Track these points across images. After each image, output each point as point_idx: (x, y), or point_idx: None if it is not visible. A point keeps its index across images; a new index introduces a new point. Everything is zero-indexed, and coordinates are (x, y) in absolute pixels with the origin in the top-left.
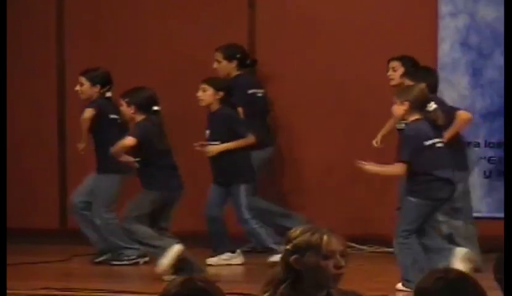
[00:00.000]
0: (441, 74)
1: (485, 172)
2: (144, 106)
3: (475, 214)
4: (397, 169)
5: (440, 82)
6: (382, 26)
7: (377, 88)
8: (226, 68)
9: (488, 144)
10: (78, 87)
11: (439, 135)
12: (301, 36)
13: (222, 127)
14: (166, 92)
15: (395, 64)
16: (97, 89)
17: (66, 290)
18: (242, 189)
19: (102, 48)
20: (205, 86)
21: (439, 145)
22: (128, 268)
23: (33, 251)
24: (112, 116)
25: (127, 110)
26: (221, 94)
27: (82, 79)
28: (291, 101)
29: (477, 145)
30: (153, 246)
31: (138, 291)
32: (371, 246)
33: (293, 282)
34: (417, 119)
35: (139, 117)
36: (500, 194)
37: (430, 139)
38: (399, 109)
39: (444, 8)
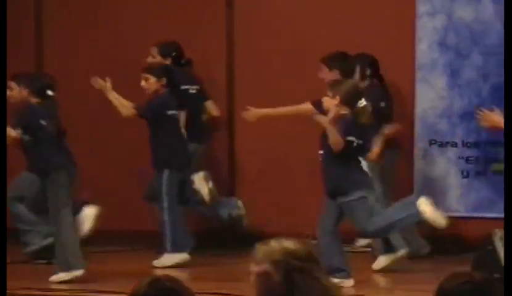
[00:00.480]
0: (419, 75)
1: (462, 172)
2: (39, 90)
3: (453, 214)
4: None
5: (418, 83)
6: (359, 26)
7: None
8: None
9: (465, 144)
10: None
11: (359, 134)
12: (278, 35)
13: None
14: (142, 90)
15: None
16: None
17: (47, 291)
18: (165, 175)
19: (80, 49)
20: (146, 76)
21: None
22: (113, 267)
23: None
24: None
25: (20, 92)
26: (164, 79)
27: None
28: (270, 101)
29: (455, 145)
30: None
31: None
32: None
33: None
34: (343, 115)
35: (34, 100)
36: (478, 194)
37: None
38: (330, 102)
39: (421, 8)
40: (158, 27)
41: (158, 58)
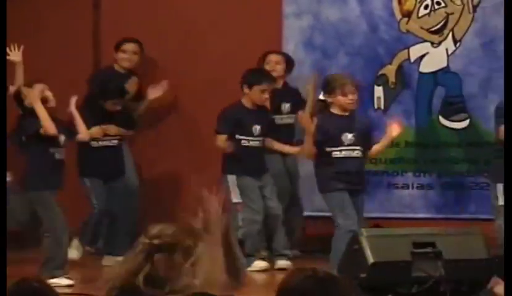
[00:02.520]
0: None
1: None
2: None
3: (321, 214)
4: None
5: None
6: (227, 26)
7: (220, 84)
8: None
9: None
10: None
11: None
12: (146, 35)
13: None
14: None
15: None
16: None
17: None
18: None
19: None
20: None
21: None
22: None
23: None
24: None
25: None
26: None
27: None
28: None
29: None
30: None
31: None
32: None
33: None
34: None
35: None
36: None
37: None
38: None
39: (288, 9)
40: (26, 30)
41: None
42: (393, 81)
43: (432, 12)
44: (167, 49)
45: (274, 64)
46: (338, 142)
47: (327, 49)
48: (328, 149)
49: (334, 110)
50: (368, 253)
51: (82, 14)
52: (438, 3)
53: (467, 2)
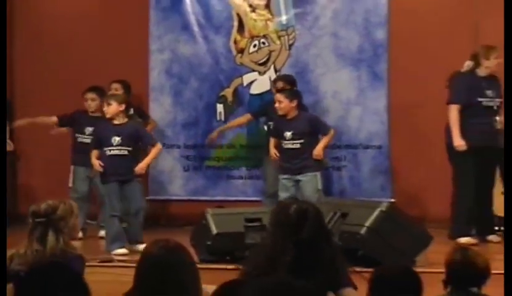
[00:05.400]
0: (152, 95)
1: (184, 167)
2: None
3: (178, 198)
4: None
5: (151, 102)
6: (104, 58)
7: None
8: None
9: (186, 146)
10: None
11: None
12: (55, 52)
13: None
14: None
15: (116, 86)
16: None
17: None
18: None
19: None
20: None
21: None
22: None
23: None
24: None
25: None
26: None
27: None
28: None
29: (179, 147)
30: None
31: None
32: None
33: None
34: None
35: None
36: (195, 183)
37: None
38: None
39: (153, 46)
40: None
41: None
42: (231, 100)
43: (259, 50)
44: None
45: (114, 90)
46: None
47: (182, 76)
48: None
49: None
50: (212, 226)
51: None
52: (264, 43)
53: (285, 42)
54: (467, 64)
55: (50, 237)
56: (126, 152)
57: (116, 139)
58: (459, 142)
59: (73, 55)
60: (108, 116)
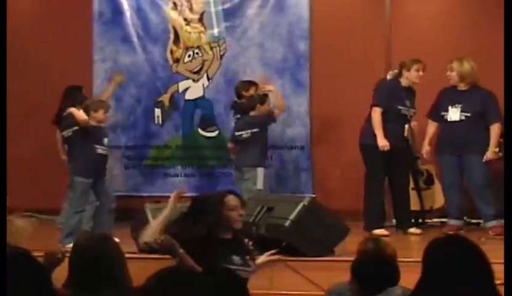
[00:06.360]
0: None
1: (125, 166)
2: None
3: (121, 193)
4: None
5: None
6: (52, 67)
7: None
8: None
9: (127, 147)
10: None
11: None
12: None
13: None
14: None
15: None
16: None
17: None
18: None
19: None
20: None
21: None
22: None
23: None
24: None
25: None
26: None
27: None
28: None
29: (120, 147)
30: None
31: None
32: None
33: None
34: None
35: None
36: (135, 180)
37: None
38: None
39: (96, 56)
40: None
41: None
42: (168, 105)
43: (193, 59)
44: None
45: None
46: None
47: (123, 83)
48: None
49: None
50: (151, 219)
51: None
52: (197, 53)
53: (216, 52)
54: (392, 73)
55: None
56: (107, 152)
57: (106, 140)
58: (383, 143)
59: (22, 65)
60: (102, 123)
